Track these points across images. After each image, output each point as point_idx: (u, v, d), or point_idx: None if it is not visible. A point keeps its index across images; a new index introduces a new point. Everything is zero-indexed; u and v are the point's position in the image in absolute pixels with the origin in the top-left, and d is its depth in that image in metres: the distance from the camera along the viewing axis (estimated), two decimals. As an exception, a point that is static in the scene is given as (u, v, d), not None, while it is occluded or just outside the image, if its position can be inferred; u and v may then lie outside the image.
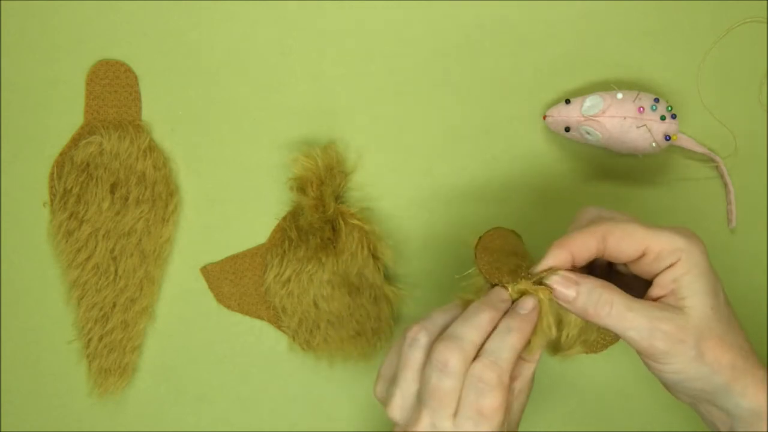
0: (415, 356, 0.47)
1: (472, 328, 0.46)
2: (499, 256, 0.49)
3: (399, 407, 0.47)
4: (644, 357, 0.46)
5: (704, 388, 0.46)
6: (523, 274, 0.47)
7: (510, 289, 0.47)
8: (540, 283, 0.47)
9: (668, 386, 0.48)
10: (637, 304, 0.45)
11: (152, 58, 0.64)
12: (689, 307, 0.45)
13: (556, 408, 0.62)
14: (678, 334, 0.44)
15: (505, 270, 0.48)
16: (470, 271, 0.50)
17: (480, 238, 0.50)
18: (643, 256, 0.46)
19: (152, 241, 0.62)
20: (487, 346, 0.45)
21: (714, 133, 0.63)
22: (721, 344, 0.45)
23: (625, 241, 0.46)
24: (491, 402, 0.44)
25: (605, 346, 0.61)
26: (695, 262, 0.45)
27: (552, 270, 0.46)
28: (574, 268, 0.48)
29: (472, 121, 0.63)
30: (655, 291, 0.46)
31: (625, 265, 0.48)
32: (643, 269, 0.47)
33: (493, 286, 0.48)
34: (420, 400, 0.46)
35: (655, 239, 0.45)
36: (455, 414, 0.45)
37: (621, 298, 0.45)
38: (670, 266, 0.45)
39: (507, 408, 0.45)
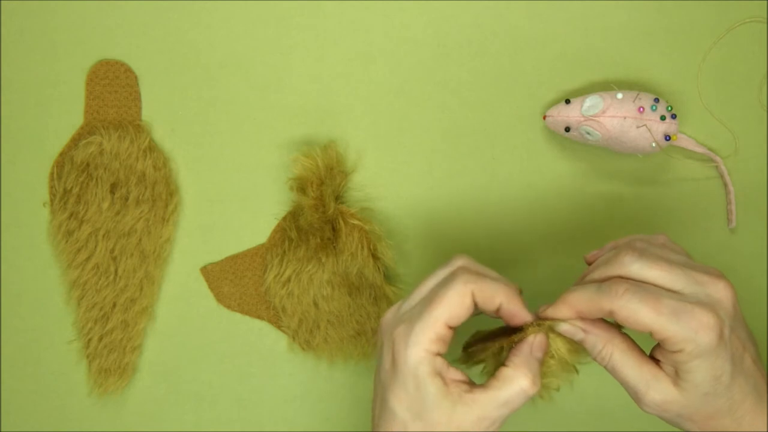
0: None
1: (494, 283, 0.47)
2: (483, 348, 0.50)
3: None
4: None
5: None
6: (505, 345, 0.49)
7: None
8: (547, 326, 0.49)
9: None
10: (634, 364, 0.47)
11: (152, 58, 0.64)
12: (681, 388, 0.46)
13: (557, 407, 0.62)
14: (663, 406, 0.46)
15: (489, 353, 0.50)
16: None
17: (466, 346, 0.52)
18: (650, 334, 0.46)
19: (152, 241, 0.62)
20: (483, 274, 0.48)
21: (714, 133, 0.63)
22: (708, 419, 0.46)
23: (630, 323, 0.45)
24: (443, 294, 0.46)
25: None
26: (696, 355, 0.45)
27: (560, 320, 0.48)
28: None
29: (472, 121, 0.63)
30: (660, 354, 0.47)
31: None
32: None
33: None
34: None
35: (660, 329, 0.44)
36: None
37: (620, 354, 0.47)
38: (674, 353, 0.45)
39: (455, 315, 0.46)
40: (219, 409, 0.63)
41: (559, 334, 0.48)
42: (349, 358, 0.62)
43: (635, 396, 0.47)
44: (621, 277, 0.46)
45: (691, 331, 0.44)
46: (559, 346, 0.49)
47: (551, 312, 0.48)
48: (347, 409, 0.63)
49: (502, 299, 0.47)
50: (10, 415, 0.63)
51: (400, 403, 0.46)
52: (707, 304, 0.45)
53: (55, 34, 0.64)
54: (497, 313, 0.48)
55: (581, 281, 0.49)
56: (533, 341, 0.48)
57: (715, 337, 0.44)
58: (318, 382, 0.63)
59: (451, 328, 0.46)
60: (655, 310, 0.44)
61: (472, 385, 0.47)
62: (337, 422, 0.63)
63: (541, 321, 0.48)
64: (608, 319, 0.47)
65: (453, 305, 0.46)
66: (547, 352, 0.48)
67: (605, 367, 0.48)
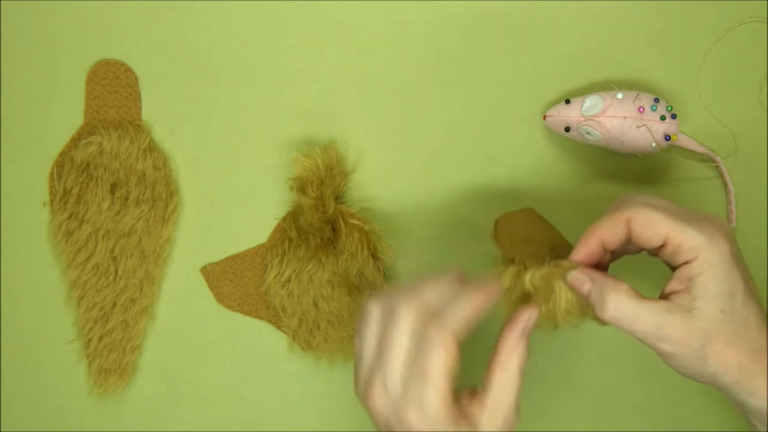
0: (371, 325, 0.48)
1: (430, 286, 0.47)
2: (518, 241, 0.50)
3: (360, 382, 0.48)
4: (664, 360, 0.47)
5: (713, 383, 0.46)
6: (545, 260, 0.48)
7: (505, 277, 0.49)
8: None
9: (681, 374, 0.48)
10: (644, 307, 0.45)
11: (152, 58, 0.64)
12: (698, 309, 0.45)
13: (557, 406, 0.62)
14: (683, 338, 0.45)
15: (525, 255, 0.49)
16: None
17: (497, 221, 0.52)
18: (663, 246, 0.46)
19: (152, 241, 0.62)
20: (442, 309, 0.46)
21: (714, 133, 0.63)
22: (728, 347, 0.45)
23: (646, 229, 0.46)
24: (433, 361, 0.45)
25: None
26: (712, 261, 0.44)
27: (570, 265, 0.48)
28: (607, 253, 0.49)
29: (472, 121, 0.63)
30: (671, 285, 0.46)
31: (654, 253, 0.48)
32: (666, 259, 0.47)
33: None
34: (375, 363, 0.47)
35: (675, 232, 0.45)
36: (405, 374, 0.46)
37: (628, 300, 0.46)
38: (687, 263, 0.45)
39: (453, 371, 0.45)
40: (219, 409, 0.63)
41: (567, 289, 0.48)
42: (349, 358, 0.62)
43: (655, 337, 0.45)
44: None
45: (706, 235, 0.45)
46: (564, 300, 0.48)
47: (577, 252, 0.48)
48: (347, 409, 0.63)
49: (478, 310, 0.47)
50: (10, 415, 0.63)
51: None
52: (714, 224, 0.46)
53: (55, 34, 0.64)
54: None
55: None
56: (526, 322, 0.47)
57: (728, 247, 0.45)
58: (318, 382, 0.63)
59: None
60: (671, 215, 0.45)
61: (480, 395, 0.47)
62: (337, 422, 0.63)
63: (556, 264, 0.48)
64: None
65: (447, 361, 0.45)
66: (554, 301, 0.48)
67: (614, 319, 0.46)
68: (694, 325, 0.45)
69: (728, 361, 0.45)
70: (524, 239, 0.51)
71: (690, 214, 0.46)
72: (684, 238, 0.45)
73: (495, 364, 0.47)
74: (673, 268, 0.47)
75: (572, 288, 0.48)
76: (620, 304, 0.46)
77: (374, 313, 0.48)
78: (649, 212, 0.46)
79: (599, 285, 0.47)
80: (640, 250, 0.51)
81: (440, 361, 0.45)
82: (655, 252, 0.48)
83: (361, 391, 0.48)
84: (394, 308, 0.46)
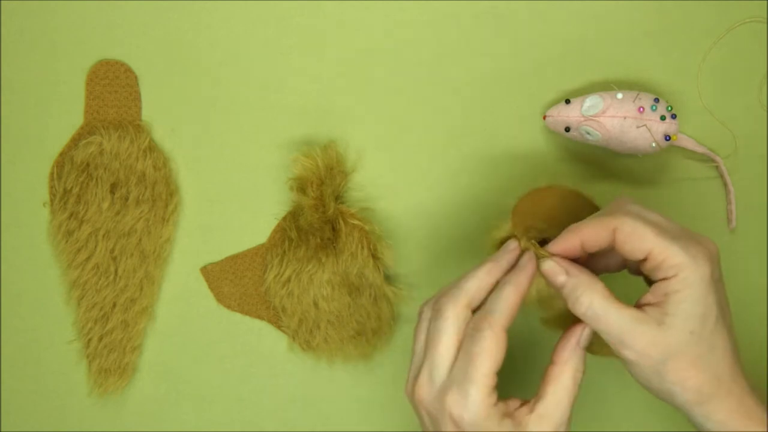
0: (422, 325, 0.49)
1: (470, 279, 0.48)
2: (527, 218, 0.52)
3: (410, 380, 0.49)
4: (627, 367, 0.48)
5: (671, 402, 0.47)
6: (531, 235, 0.50)
7: (521, 241, 0.50)
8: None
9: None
10: (615, 310, 0.46)
11: (152, 58, 0.64)
12: (667, 326, 0.45)
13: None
14: (646, 349, 0.45)
15: (521, 229, 0.51)
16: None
17: (521, 197, 0.53)
18: (646, 260, 0.46)
19: (152, 241, 0.62)
20: (489, 302, 0.48)
21: (714, 133, 0.63)
22: (690, 367, 0.45)
23: (631, 241, 0.46)
24: (481, 347, 0.45)
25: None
26: (691, 282, 0.45)
27: (549, 254, 0.49)
28: (585, 254, 0.49)
29: (472, 120, 0.63)
30: (647, 297, 0.47)
31: (635, 267, 0.49)
32: (646, 272, 0.47)
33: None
34: (423, 358, 0.48)
35: (659, 248, 0.45)
36: (450, 364, 0.47)
37: (601, 300, 0.46)
38: (665, 279, 0.45)
39: (499, 363, 0.46)
40: (219, 409, 0.63)
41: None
42: (349, 358, 0.62)
43: (618, 341, 0.46)
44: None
45: (689, 255, 0.45)
46: (535, 289, 0.50)
47: (555, 244, 0.49)
48: (347, 409, 0.63)
49: (518, 296, 0.48)
50: (10, 415, 0.63)
51: None
52: (701, 243, 0.46)
53: (55, 34, 0.64)
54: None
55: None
56: (581, 334, 0.48)
57: (709, 269, 0.45)
58: (318, 382, 0.63)
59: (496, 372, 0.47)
60: (657, 230, 0.45)
61: (532, 402, 0.47)
62: (337, 422, 0.63)
63: (529, 248, 0.49)
64: None
65: (494, 354, 0.46)
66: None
67: (584, 316, 0.46)
68: (660, 339, 0.45)
69: (687, 381, 0.45)
70: (543, 216, 0.52)
71: (677, 232, 0.46)
72: (667, 254, 0.45)
73: (549, 376, 0.48)
74: (650, 283, 0.47)
75: (545, 277, 0.49)
76: (593, 302, 0.46)
77: (425, 314, 0.49)
78: (637, 225, 0.46)
79: (575, 280, 0.47)
80: (622, 267, 0.52)
81: (489, 351, 0.46)
82: (637, 264, 0.48)
83: (409, 388, 0.49)
84: (440, 305, 0.48)
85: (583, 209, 0.53)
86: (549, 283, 0.49)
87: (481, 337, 0.46)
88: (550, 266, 0.48)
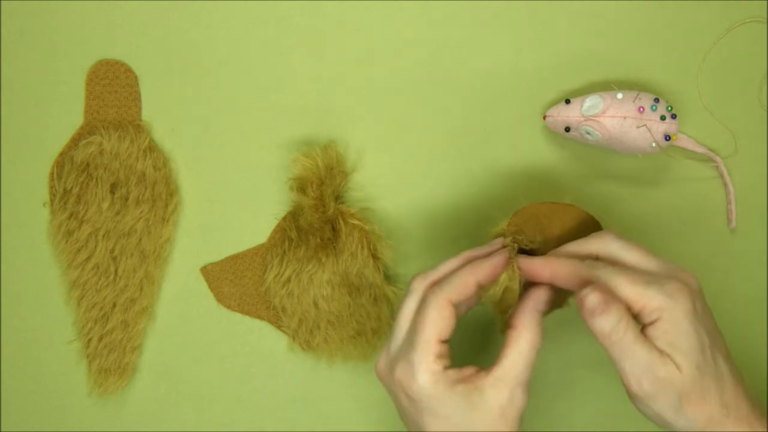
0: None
1: (447, 262, 0.50)
2: (524, 223, 0.53)
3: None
4: (630, 396, 0.48)
5: (673, 429, 0.47)
6: (518, 239, 0.52)
7: (506, 240, 0.52)
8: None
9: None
10: (643, 340, 0.46)
11: (152, 58, 0.64)
12: (678, 364, 0.46)
13: (557, 407, 0.62)
14: (666, 381, 0.46)
15: (512, 230, 0.53)
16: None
17: (531, 205, 0.54)
18: (629, 308, 0.46)
19: (152, 241, 0.62)
20: (445, 279, 0.49)
21: (714, 133, 0.63)
22: (701, 400, 0.46)
23: (608, 293, 0.46)
24: (424, 316, 0.47)
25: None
26: (675, 320, 0.45)
27: (518, 266, 0.50)
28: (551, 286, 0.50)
29: (472, 121, 0.63)
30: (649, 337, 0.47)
31: None
32: (635, 319, 0.47)
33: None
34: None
35: (636, 296, 0.46)
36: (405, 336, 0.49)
37: (634, 330, 0.46)
38: (652, 323, 0.46)
39: (445, 332, 0.47)
40: (219, 409, 0.63)
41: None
42: (349, 358, 0.62)
43: (641, 374, 0.46)
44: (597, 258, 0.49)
45: (666, 295, 0.45)
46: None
47: (529, 262, 0.50)
48: (347, 409, 0.63)
49: (474, 278, 0.49)
50: (10, 415, 0.63)
51: (439, 427, 0.47)
52: (678, 280, 0.47)
53: (55, 34, 0.64)
54: (483, 286, 0.49)
55: (556, 252, 0.51)
56: (537, 298, 0.49)
57: (690, 303, 0.46)
58: (318, 382, 0.63)
59: (444, 341, 0.48)
60: (631, 279, 0.46)
61: (488, 369, 0.48)
62: (338, 422, 0.63)
63: (509, 244, 0.51)
64: None
65: (436, 322, 0.47)
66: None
67: (609, 347, 0.46)
68: (676, 375, 0.46)
69: (699, 415, 0.46)
70: (541, 228, 0.53)
71: (654, 272, 0.47)
72: (645, 301, 0.46)
73: (507, 340, 0.48)
74: (643, 329, 0.47)
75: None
76: (628, 331, 0.46)
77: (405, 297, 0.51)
78: (610, 278, 0.46)
79: (617, 312, 0.46)
80: None
81: (432, 320, 0.47)
82: None
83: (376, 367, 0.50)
84: (411, 283, 0.50)
85: (569, 224, 0.54)
86: (580, 309, 0.48)
87: (425, 307, 0.48)
88: (592, 299, 0.47)
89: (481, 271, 0.49)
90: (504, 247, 0.52)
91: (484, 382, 0.47)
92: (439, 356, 0.47)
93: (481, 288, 0.50)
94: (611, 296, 0.47)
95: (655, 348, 0.46)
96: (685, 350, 0.45)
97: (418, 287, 0.49)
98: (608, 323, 0.46)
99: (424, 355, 0.47)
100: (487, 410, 0.46)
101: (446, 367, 0.47)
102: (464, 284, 0.48)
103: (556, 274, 0.49)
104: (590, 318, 0.47)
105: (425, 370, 0.46)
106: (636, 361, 0.46)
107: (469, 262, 0.50)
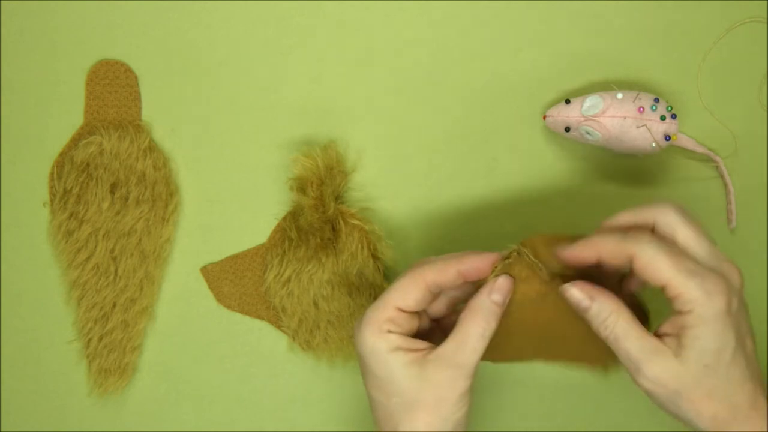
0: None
1: (455, 253, 0.50)
2: (538, 247, 0.51)
3: None
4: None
5: (685, 424, 0.47)
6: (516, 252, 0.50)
7: (517, 249, 0.50)
8: (559, 274, 0.49)
9: None
10: (635, 336, 0.46)
11: (152, 58, 0.64)
12: (683, 358, 0.45)
13: (556, 407, 0.62)
14: (661, 380, 0.45)
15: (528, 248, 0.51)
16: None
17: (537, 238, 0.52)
18: (664, 289, 0.46)
19: (152, 241, 0.62)
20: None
21: (714, 133, 0.63)
22: (705, 398, 0.45)
23: (648, 272, 0.46)
24: (396, 282, 0.49)
25: None
26: (706, 319, 0.45)
27: (572, 279, 0.48)
28: (600, 266, 0.49)
29: (472, 121, 0.63)
30: (665, 327, 0.47)
31: None
32: (666, 297, 0.47)
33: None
34: None
35: (675, 283, 0.45)
36: None
37: (624, 326, 0.46)
38: (681, 313, 0.45)
39: (407, 301, 0.48)
40: (219, 409, 0.63)
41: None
42: (349, 358, 0.62)
43: (635, 368, 0.46)
44: (651, 229, 0.48)
45: (704, 291, 0.45)
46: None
47: (572, 250, 0.48)
48: (347, 409, 0.63)
49: (456, 265, 0.49)
50: (10, 415, 0.63)
51: (374, 388, 0.48)
52: (722, 274, 0.46)
53: (55, 34, 0.64)
54: (465, 279, 0.49)
55: (608, 224, 0.50)
56: (493, 284, 0.49)
57: (725, 303, 0.45)
58: (318, 382, 0.63)
59: (403, 311, 0.48)
60: (675, 264, 0.45)
61: (434, 346, 0.48)
62: (337, 422, 0.63)
63: (508, 252, 0.49)
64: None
65: (401, 289, 0.48)
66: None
67: (606, 338, 0.47)
68: (675, 370, 0.45)
69: (703, 411, 0.45)
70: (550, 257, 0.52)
71: (697, 264, 0.46)
72: (682, 290, 0.45)
73: (458, 322, 0.49)
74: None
75: (570, 302, 0.48)
76: (617, 327, 0.46)
77: None
78: (655, 255, 0.45)
79: (598, 305, 0.47)
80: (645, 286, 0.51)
81: (399, 286, 0.48)
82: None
83: None
84: (413, 264, 0.50)
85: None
86: (574, 307, 0.48)
87: (402, 276, 0.49)
88: (574, 293, 0.48)
89: (465, 263, 0.49)
90: (510, 253, 0.50)
91: (427, 357, 0.47)
92: (391, 320, 0.48)
93: (466, 281, 0.49)
94: (596, 291, 0.47)
95: (654, 343, 0.46)
96: (701, 350, 0.45)
97: (415, 263, 0.50)
98: (594, 318, 0.47)
99: (376, 313, 0.48)
100: (421, 384, 0.47)
101: (391, 331, 0.48)
102: (443, 268, 0.49)
103: (603, 255, 0.47)
104: (581, 313, 0.48)
105: (371, 326, 0.47)
106: (628, 358, 0.46)
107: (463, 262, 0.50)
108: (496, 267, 0.49)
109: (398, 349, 0.47)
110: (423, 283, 0.49)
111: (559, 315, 0.51)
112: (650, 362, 0.45)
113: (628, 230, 0.48)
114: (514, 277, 0.49)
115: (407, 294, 0.48)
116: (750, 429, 0.45)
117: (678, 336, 0.45)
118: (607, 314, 0.47)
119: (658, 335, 0.47)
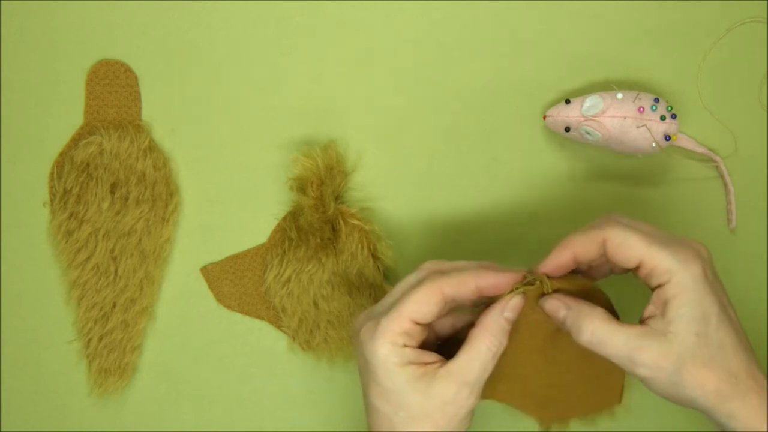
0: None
1: (465, 262, 0.50)
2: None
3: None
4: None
5: (693, 407, 0.47)
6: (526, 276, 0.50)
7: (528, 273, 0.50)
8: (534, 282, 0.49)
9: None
10: (618, 332, 0.46)
11: (152, 58, 0.64)
12: (672, 333, 0.45)
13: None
14: (658, 362, 0.45)
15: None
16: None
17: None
18: (638, 268, 0.46)
19: (152, 241, 0.62)
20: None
21: (714, 133, 0.63)
22: (704, 370, 0.45)
23: (621, 251, 0.46)
24: (412, 292, 0.48)
25: None
26: (685, 286, 0.45)
27: (541, 288, 0.49)
28: (580, 267, 0.49)
29: (472, 120, 0.63)
30: (649, 309, 0.47)
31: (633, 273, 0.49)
32: (642, 280, 0.47)
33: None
34: None
35: (649, 255, 0.46)
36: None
37: (603, 326, 0.46)
38: (660, 286, 0.46)
39: (422, 314, 0.47)
40: (219, 409, 0.63)
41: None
42: (349, 358, 0.62)
43: (629, 361, 0.46)
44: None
45: (678, 259, 0.45)
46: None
47: (548, 259, 0.49)
48: (347, 409, 0.63)
49: (475, 280, 0.48)
50: (10, 415, 0.63)
51: (379, 398, 0.48)
52: (691, 248, 0.47)
53: (55, 34, 0.64)
54: (481, 295, 0.49)
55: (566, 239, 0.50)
56: (506, 303, 0.49)
57: (700, 269, 0.45)
58: (318, 382, 0.63)
59: (418, 324, 0.48)
60: (646, 239, 0.46)
61: (445, 360, 0.48)
62: (337, 422, 0.63)
63: (531, 279, 0.49)
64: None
65: (419, 302, 0.47)
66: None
67: (591, 345, 0.47)
68: (669, 349, 0.45)
69: (705, 385, 0.45)
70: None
71: (666, 238, 0.47)
72: (657, 261, 0.45)
73: (468, 337, 0.48)
74: (652, 290, 0.47)
75: (549, 314, 0.49)
76: (595, 330, 0.47)
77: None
78: (625, 234, 0.46)
79: (575, 312, 0.48)
80: (622, 270, 0.51)
81: (416, 297, 0.47)
82: (633, 272, 0.48)
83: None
84: (424, 264, 0.50)
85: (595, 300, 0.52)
86: (553, 318, 0.49)
87: (419, 285, 0.47)
88: (551, 303, 0.49)
89: (485, 279, 0.48)
90: (534, 281, 0.50)
91: (437, 372, 0.47)
92: (406, 333, 0.47)
93: (482, 296, 0.49)
94: (571, 300, 0.48)
95: (638, 331, 0.46)
96: (687, 317, 0.45)
97: (426, 268, 0.49)
98: (572, 326, 0.47)
99: (392, 325, 0.47)
100: (429, 399, 0.47)
101: (406, 345, 0.47)
102: (463, 282, 0.48)
103: (577, 251, 0.48)
104: (560, 324, 0.48)
105: (385, 338, 0.47)
106: (618, 354, 0.46)
107: (479, 273, 0.49)
108: (516, 288, 0.49)
109: (410, 363, 0.47)
110: (440, 296, 0.48)
111: (566, 357, 0.51)
112: (641, 349, 0.45)
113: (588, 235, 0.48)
114: (527, 298, 0.50)
115: (424, 307, 0.47)
116: (753, 398, 0.45)
117: (662, 313, 0.46)
118: (582, 320, 0.47)
119: (642, 322, 0.47)
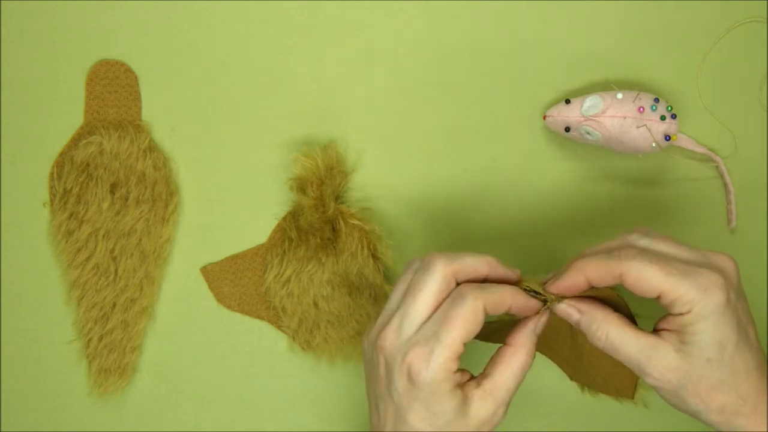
0: (406, 276, 0.49)
1: (470, 255, 0.48)
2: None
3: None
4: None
5: (695, 418, 0.47)
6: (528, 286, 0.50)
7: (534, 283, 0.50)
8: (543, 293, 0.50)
9: None
10: (631, 339, 0.47)
11: (152, 58, 0.64)
12: (686, 354, 0.45)
13: (556, 407, 0.62)
14: (664, 375, 0.46)
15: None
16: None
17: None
18: (659, 298, 0.46)
19: (152, 241, 0.62)
20: (484, 285, 0.48)
21: (714, 133, 0.63)
22: (710, 390, 0.46)
23: (640, 284, 0.46)
24: (458, 312, 0.45)
25: None
26: (704, 314, 0.45)
27: (559, 297, 0.49)
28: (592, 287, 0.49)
29: (472, 121, 0.63)
30: (664, 323, 0.47)
31: None
32: (662, 306, 0.47)
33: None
34: (398, 306, 0.48)
35: (668, 287, 0.45)
36: (425, 319, 0.47)
37: (617, 331, 0.47)
38: (681, 314, 0.45)
39: (468, 337, 0.46)
40: (219, 409, 0.63)
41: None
42: (349, 358, 0.62)
43: (639, 369, 0.47)
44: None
45: (699, 289, 0.45)
46: None
47: (562, 281, 0.48)
48: (347, 409, 0.63)
49: (511, 302, 0.48)
50: (10, 415, 0.63)
51: (421, 421, 0.47)
52: (714, 268, 0.46)
53: (55, 34, 0.64)
54: (507, 312, 0.48)
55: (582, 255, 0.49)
56: (537, 321, 0.49)
57: (723, 297, 0.45)
58: (318, 382, 0.63)
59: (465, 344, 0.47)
60: (665, 270, 0.45)
61: (479, 378, 0.48)
62: (337, 422, 0.63)
63: (545, 297, 0.49)
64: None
65: (469, 324, 0.46)
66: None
67: (604, 348, 0.47)
68: (677, 365, 0.46)
69: (710, 403, 0.46)
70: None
71: (687, 264, 0.46)
72: (678, 294, 0.45)
73: (502, 356, 0.48)
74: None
75: (562, 317, 0.49)
76: (609, 334, 0.47)
77: (412, 265, 0.49)
78: (641, 267, 0.45)
79: (588, 316, 0.48)
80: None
81: (466, 319, 0.46)
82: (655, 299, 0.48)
83: (374, 334, 0.48)
84: (431, 260, 0.48)
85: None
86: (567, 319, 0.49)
87: (463, 303, 0.46)
88: (563, 308, 0.49)
89: (519, 300, 0.48)
90: (529, 288, 0.50)
91: (474, 392, 0.47)
92: (457, 357, 0.46)
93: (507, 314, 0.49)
94: (584, 303, 0.48)
95: (651, 340, 0.46)
96: (702, 344, 0.45)
97: (441, 270, 0.47)
98: (587, 330, 0.48)
99: (447, 352, 0.46)
100: (467, 419, 0.47)
101: (457, 370, 0.47)
102: (502, 302, 0.47)
103: (591, 277, 0.47)
104: (576, 327, 0.48)
105: (441, 366, 0.46)
106: (629, 360, 0.47)
107: (492, 271, 0.49)
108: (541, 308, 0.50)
109: (457, 386, 0.47)
110: (483, 316, 0.47)
111: (589, 347, 0.52)
112: (651, 360, 0.46)
113: (611, 249, 0.48)
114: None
115: (472, 327, 0.46)
116: (759, 417, 0.46)
117: (678, 331, 0.46)
118: (596, 325, 0.47)
119: (657, 330, 0.47)
